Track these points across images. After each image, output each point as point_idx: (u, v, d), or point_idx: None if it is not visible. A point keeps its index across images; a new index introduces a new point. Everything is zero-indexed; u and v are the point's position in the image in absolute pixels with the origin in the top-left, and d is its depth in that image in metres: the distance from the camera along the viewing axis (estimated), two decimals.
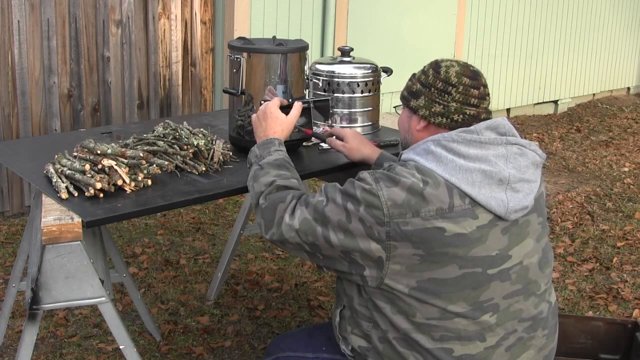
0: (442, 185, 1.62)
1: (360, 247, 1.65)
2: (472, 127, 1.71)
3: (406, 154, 1.74)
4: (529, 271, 1.72)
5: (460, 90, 1.74)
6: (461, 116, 1.74)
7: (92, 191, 1.92)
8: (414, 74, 1.86)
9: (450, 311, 1.65)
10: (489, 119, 1.77)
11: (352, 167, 2.25)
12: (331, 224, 1.67)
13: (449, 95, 1.74)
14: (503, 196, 1.65)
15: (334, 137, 2.26)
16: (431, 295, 1.64)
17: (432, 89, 1.76)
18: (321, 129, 2.43)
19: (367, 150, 2.19)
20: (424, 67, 1.83)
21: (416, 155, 1.70)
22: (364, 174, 1.69)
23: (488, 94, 1.78)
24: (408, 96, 1.82)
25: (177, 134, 2.27)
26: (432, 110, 1.75)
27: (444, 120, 1.75)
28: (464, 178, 1.63)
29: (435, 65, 1.80)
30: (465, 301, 1.65)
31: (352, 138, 2.21)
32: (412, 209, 1.61)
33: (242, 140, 2.33)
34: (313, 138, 2.40)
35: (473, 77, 1.75)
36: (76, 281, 1.84)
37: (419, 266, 1.63)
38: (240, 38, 2.38)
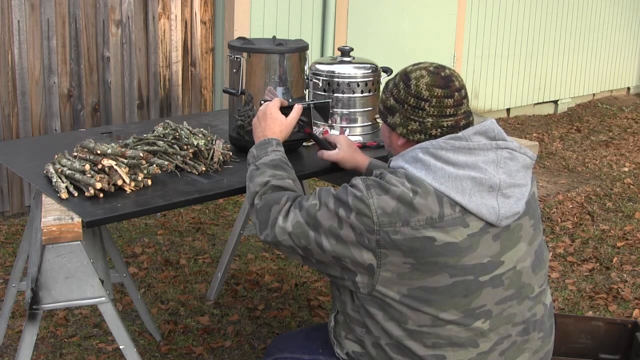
0: (431, 195, 1.60)
1: (352, 254, 1.64)
2: (460, 133, 1.67)
3: (395, 162, 1.72)
4: (522, 275, 1.71)
5: (433, 103, 1.69)
6: (439, 130, 1.70)
7: (92, 191, 1.92)
8: (387, 84, 1.81)
9: (442, 318, 1.64)
10: (470, 122, 1.73)
11: None
12: (323, 229, 1.66)
13: (423, 111, 1.70)
14: (494, 203, 1.63)
15: (325, 147, 2.20)
16: (422, 303, 1.64)
17: (405, 105, 1.71)
18: (321, 129, 2.44)
19: (360, 158, 2.16)
20: (395, 77, 1.78)
21: (405, 163, 1.68)
22: (357, 180, 1.67)
23: (465, 96, 1.73)
24: (384, 112, 1.78)
25: (177, 134, 2.27)
26: (409, 128, 1.72)
27: (422, 136, 1.71)
28: (453, 186, 1.61)
29: (405, 77, 1.74)
30: (456, 309, 1.64)
31: (346, 146, 2.16)
32: (402, 218, 1.59)
33: (242, 140, 2.33)
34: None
35: (444, 86, 1.70)
36: (76, 281, 1.84)
37: (409, 274, 1.62)
38: (240, 38, 2.38)
